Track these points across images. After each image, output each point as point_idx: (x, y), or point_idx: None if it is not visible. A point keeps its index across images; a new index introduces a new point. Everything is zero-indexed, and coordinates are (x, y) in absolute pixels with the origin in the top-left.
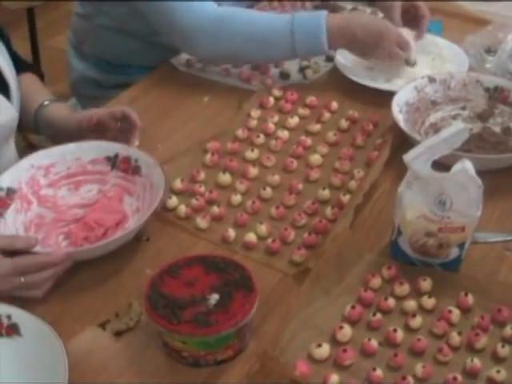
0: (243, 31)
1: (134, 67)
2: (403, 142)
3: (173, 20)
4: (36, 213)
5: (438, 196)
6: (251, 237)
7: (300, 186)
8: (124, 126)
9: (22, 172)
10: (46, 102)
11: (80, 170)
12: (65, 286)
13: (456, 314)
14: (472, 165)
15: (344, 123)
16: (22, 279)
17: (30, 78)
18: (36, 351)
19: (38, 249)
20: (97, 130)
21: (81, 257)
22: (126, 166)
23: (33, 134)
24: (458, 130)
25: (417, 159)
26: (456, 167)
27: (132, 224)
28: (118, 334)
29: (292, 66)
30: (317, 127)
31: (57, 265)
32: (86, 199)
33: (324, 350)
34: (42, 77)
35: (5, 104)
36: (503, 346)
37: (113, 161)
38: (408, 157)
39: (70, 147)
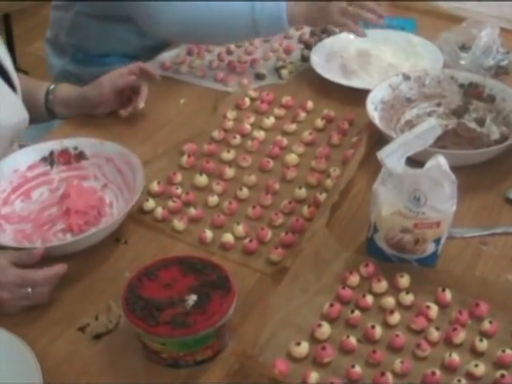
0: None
1: (112, 56)
2: (379, 140)
3: None
4: (13, 229)
5: (412, 192)
6: (228, 237)
7: (276, 186)
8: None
9: None
10: (52, 86)
11: (22, 180)
12: None
13: (434, 309)
14: (446, 160)
15: (320, 122)
16: (30, 290)
17: (20, 76)
18: (9, 365)
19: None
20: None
21: (99, 237)
22: (66, 158)
23: (43, 122)
24: (430, 126)
25: (390, 156)
26: (430, 163)
27: (112, 197)
28: (98, 336)
29: (267, 67)
30: (293, 127)
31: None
32: (46, 201)
33: (303, 348)
34: None
35: (19, 105)
36: (481, 340)
37: (49, 159)
38: (382, 154)
39: (6, 161)
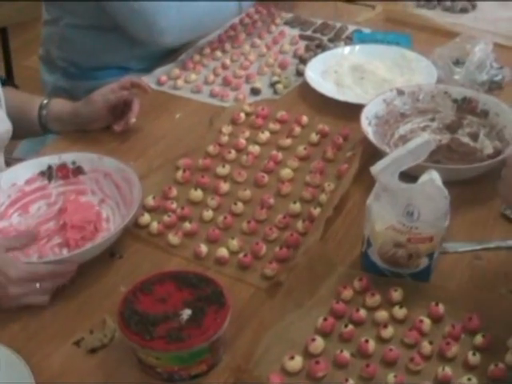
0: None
1: (104, 69)
2: (373, 155)
3: (135, 7)
4: None
5: (405, 207)
6: (223, 252)
7: (271, 201)
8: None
9: None
10: (45, 101)
11: (20, 194)
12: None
13: (427, 323)
14: (439, 175)
15: (314, 137)
16: (38, 285)
17: (13, 90)
18: (3, 380)
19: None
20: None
21: (95, 252)
22: (64, 173)
23: (36, 136)
24: (423, 141)
25: (384, 171)
26: (423, 178)
27: (108, 211)
28: (93, 351)
29: (263, 82)
30: (287, 142)
31: (70, 272)
32: (43, 216)
33: (297, 363)
34: None
35: (3, 116)
36: (474, 354)
37: (48, 173)
38: (375, 169)
39: (4, 175)
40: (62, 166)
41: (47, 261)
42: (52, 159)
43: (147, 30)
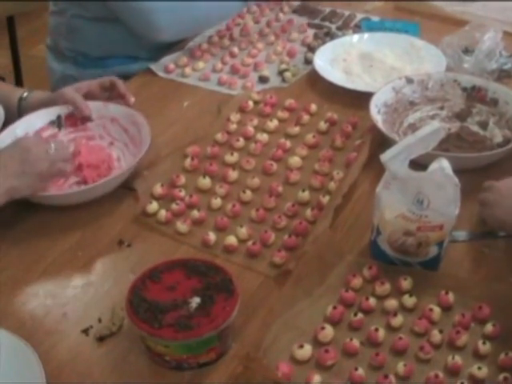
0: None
1: (112, 58)
2: (382, 143)
3: (132, 5)
4: None
5: (415, 195)
6: (232, 240)
7: (280, 189)
8: (112, 95)
9: None
10: (25, 94)
11: None
12: (47, 291)
13: (437, 312)
14: (449, 164)
15: (323, 125)
16: (52, 146)
17: None
18: (12, 368)
19: None
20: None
21: (115, 184)
22: (72, 121)
23: None
24: (433, 129)
25: (394, 159)
26: (433, 166)
27: (118, 153)
28: (101, 339)
29: (271, 70)
30: (296, 130)
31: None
32: None
33: (306, 351)
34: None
35: None
36: (484, 343)
37: (57, 122)
38: (385, 157)
39: (16, 126)
40: (71, 115)
41: (71, 192)
42: (61, 109)
43: (144, 27)
